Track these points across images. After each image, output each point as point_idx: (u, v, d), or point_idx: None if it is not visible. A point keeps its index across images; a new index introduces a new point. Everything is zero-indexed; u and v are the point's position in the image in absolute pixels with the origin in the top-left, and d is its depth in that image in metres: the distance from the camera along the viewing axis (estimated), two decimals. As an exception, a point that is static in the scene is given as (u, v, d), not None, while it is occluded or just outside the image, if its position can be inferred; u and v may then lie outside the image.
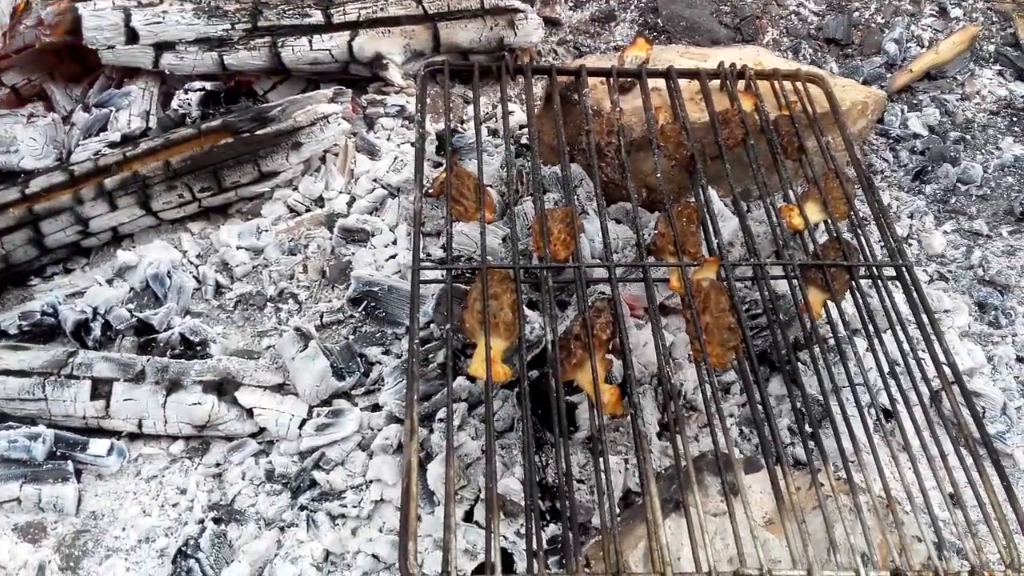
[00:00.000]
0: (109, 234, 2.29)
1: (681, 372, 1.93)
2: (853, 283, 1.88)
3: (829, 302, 1.83)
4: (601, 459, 1.51)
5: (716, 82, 2.21)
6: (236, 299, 2.25)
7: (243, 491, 1.86)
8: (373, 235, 2.30)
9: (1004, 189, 2.63)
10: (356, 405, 1.97)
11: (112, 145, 2.33)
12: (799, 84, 2.23)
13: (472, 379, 1.87)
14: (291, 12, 2.49)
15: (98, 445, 1.89)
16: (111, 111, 2.41)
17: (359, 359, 2.04)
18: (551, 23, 2.96)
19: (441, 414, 1.84)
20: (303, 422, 1.91)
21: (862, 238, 1.96)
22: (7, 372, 1.93)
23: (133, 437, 1.95)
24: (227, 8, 2.45)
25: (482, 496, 1.74)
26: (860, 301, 1.85)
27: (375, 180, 2.45)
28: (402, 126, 2.62)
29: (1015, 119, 2.85)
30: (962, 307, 2.28)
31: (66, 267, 2.32)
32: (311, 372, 1.95)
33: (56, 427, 1.91)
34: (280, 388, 1.99)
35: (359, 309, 2.15)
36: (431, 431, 1.84)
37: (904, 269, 1.91)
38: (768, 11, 3.06)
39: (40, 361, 1.94)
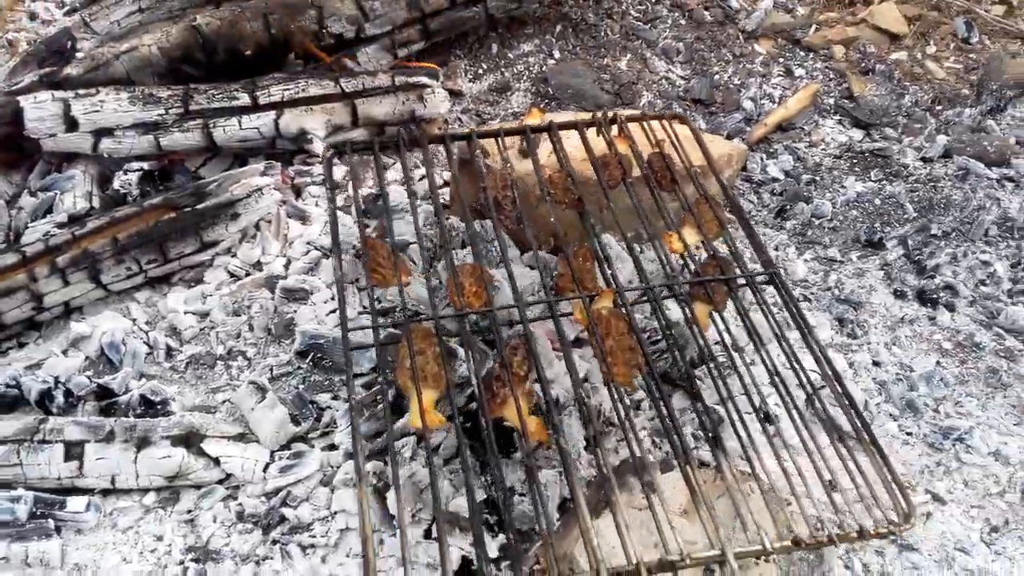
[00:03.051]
0: (61, 308, 2.43)
1: (598, 394, 2.23)
2: (731, 294, 2.11)
3: (715, 315, 2.09)
4: (536, 476, 1.78)
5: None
6: (187, 360, 2.43)
7: (216, 533, 2.03)
8: (312, 293, 2.53)
9: (851, 221, 3.09)
10: (313, 447, 2.19)
11: (60, 226, 2.48)
12: (666, 123, 2.45)
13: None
14: (220, 96, 2.72)
15: (76, 502, 2.03)
16: (56, 194, 2.57)
17: (311, 405, 2.26)
18: (455, 94, 3.29)
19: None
20: (267, 466, 2.11)
21: (736, 253, 2.19)
22: (-18, 442, 2.06)
23: (106, 492, 2.09)
24: (160, 95, 2.66)
25: (438, 515, 1.99)
26: (739, 307, 2.08)
27: (309, 243, 2.68)
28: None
29: (855, 161, 3.33)
30: (824, 323, 2.68)
31: (19, 341, 2.45)
32: (270, 420, 2.16)
33: (33, 489, 2.05)
34: (242, 437, 2.18)
35: (306, 361, 2.38)
36: (386, 463, 2.08)
37: (774, 275, 2.16)
38: (642, 77, 3.47)
39: (12, 429, 2.07)
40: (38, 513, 2.00)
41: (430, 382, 1.86)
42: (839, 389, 1.97)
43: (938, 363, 2.60)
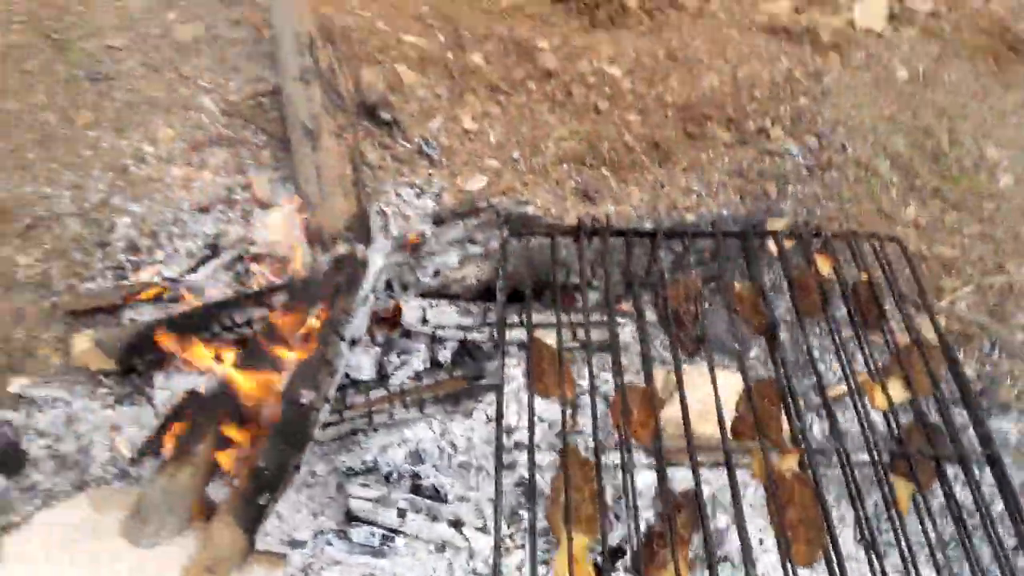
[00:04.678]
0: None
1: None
2: (940, 474, 1.84)
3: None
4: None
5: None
6: (458, 463, 4.53)
7: (461, 577, 4.15)
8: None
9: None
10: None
11: (410, 378, 4.62)
12: (877, 245, 2.08)
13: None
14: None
15: (399, 540, 4.17)
16: (409, 356, 4.71)
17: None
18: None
19: None
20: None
21: (949, 421, 1.88)
22: (363, 498, 4.25)
23: (415, 537, 4.25)
24: (472, 310, 4.67)
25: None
26: (947, 491, 1.79)
27: (532, 408, 4.69)
28: (549, 374, 4.86)
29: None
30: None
31: (374, 426, 4.63)
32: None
33: (380, 527, 4.23)
34: (482, 528, 4.27)
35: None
36: None
37: (992, 458, 1.84)
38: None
39: (376, 494, 4.22)
40: (383, 543, 4.19)
41: (583, 525, 1.79)
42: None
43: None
